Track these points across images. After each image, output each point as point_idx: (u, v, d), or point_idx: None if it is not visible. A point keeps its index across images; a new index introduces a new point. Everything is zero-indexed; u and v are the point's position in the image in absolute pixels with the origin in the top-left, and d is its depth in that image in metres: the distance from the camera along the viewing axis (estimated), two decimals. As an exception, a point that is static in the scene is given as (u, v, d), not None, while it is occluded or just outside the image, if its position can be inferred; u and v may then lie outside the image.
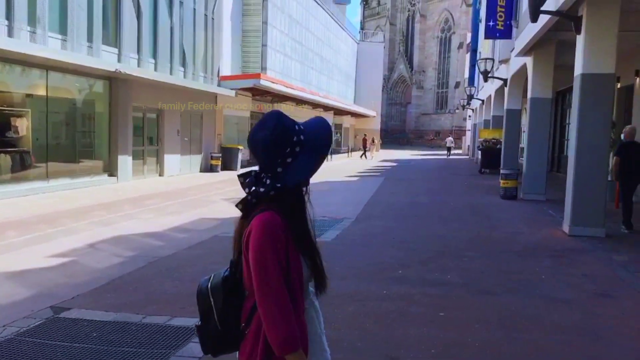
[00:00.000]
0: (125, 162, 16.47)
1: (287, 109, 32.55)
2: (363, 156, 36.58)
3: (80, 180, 14.67)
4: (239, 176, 1.82)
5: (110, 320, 4.59)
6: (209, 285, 1.83)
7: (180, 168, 20.14)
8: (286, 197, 1.75)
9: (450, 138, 44.53)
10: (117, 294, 5.38)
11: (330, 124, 38.70)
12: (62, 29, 13.68)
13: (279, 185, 1.72)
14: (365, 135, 40.44)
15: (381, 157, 39.64)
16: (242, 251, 1.76)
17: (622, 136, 9.48)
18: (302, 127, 1.78)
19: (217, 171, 21.53)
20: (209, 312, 1.82)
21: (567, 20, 9.10)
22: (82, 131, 15.66)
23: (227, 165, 22.35)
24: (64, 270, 6.33)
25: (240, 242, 1.77)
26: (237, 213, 1.85)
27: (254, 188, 1.75)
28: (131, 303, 5.08)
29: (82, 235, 8.38)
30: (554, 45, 12.77)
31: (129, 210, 11.04)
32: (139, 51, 16.98)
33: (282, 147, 1.72)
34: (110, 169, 16.14)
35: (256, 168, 1.80)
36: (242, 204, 1.80)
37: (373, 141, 39.07)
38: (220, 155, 22.08)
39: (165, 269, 6.43)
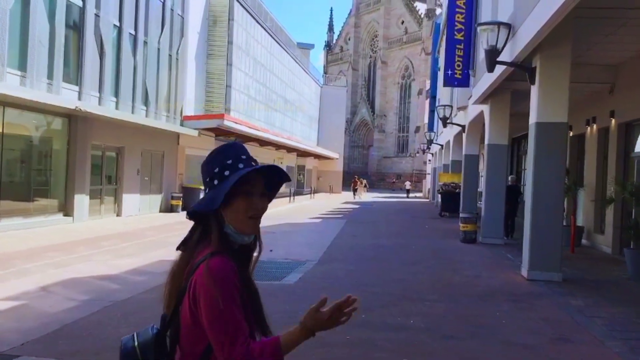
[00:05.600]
0: (81, 201, 16.05)
1: (251, 149, 32.56)
2: (355, 195, 42.81)
3: (34, 220, 14.18)
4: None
5: (62, 369, 4.38)
6: (136, 345, 1.60)
7: (139, 208, 19.73)
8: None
9: (408, 182, 53.24)
10: (69, 341, 5.14)
11: (294, 165, 38.89)
12: (22, 65, 13.45)
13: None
14: (356, 177, 47.48)
15: (343, 199, 39.88)
16: (172, 301, 1.61)
17: None
18: (236, 166, 1.60)
19: (178, 211, 21.16)
20: None
21: (521, 71, 9.51)
22: (38, 169, 15.24)
23: (189, 206, 22.01)
24: (14, 314, 6.04)
25: (172, 292, 1.61)
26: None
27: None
28: (84, 350, 4.86)
29: (34, 277, 8.04)
30: (509, 94, 13.29)
31: (84, 252, 10.69)
32: (100, 89, 16.80)
33: (207, 174, 1.65)
34: (66, 209, 15.67)
35: None
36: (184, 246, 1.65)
37: (362, 183, 46.02)
38: (181, 195, 21.77)
39: (121, 313, 6.21)
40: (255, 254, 1.69)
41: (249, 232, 1.61)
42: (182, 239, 1.66)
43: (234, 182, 1.55)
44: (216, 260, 1.51)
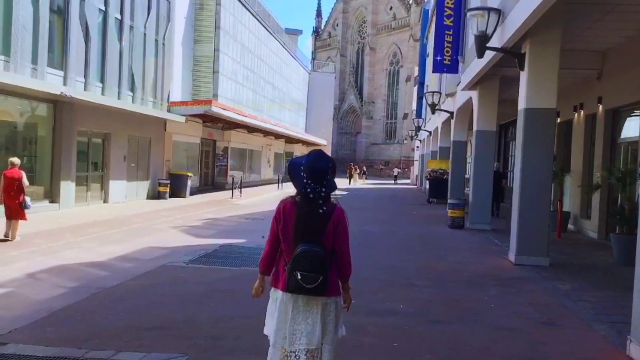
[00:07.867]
0: (67, 188, 15.89)
1: (239, 136, 32.43)
2: (351, 182, 43.63)
3: (19, 207, 13.98)
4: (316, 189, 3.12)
5: (50, 355, 4.33)
6: (321, 254, 3.06)
7: (126, 195, 19.58)
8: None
9: (397, 168, 54.11)
10: (57, 328, 5.10)
11: (282, 152, 38.78)
12: (6, 50, 13.20)
13: (329, 191, 3.13)
14: (351, 164, 49.57)
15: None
16: (323, 229, 3.12)
17: None
18: None
19: (165, 198, 21.05)
20: (325, 270, 3.06)
21: (511, 57, 9.51)
22: (23, 156, 14.94)
23: (176, 192, 21.91)
24: (0, 302, 5.98)
25: (322, 224, 3.12)
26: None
27: (324, 191, 3.11)
28: (73, 337, 4.82)
29: (21, 264, 7.97)
30: (498, 80, 13.29)
31: (70, 239, 10.61)
32: (85, 75, 16.55)
33: (327, 173, 3.13)
34: (52, 196, 15.51)
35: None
36: (323, 200, 3.13)
37: (357, 170, 47.52)
38: (168, 181, 21.64)
39: (109, 300, 6.17)
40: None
41: None
42: (324, 196, 3.13)
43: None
44: (341, 206, 3.21)
